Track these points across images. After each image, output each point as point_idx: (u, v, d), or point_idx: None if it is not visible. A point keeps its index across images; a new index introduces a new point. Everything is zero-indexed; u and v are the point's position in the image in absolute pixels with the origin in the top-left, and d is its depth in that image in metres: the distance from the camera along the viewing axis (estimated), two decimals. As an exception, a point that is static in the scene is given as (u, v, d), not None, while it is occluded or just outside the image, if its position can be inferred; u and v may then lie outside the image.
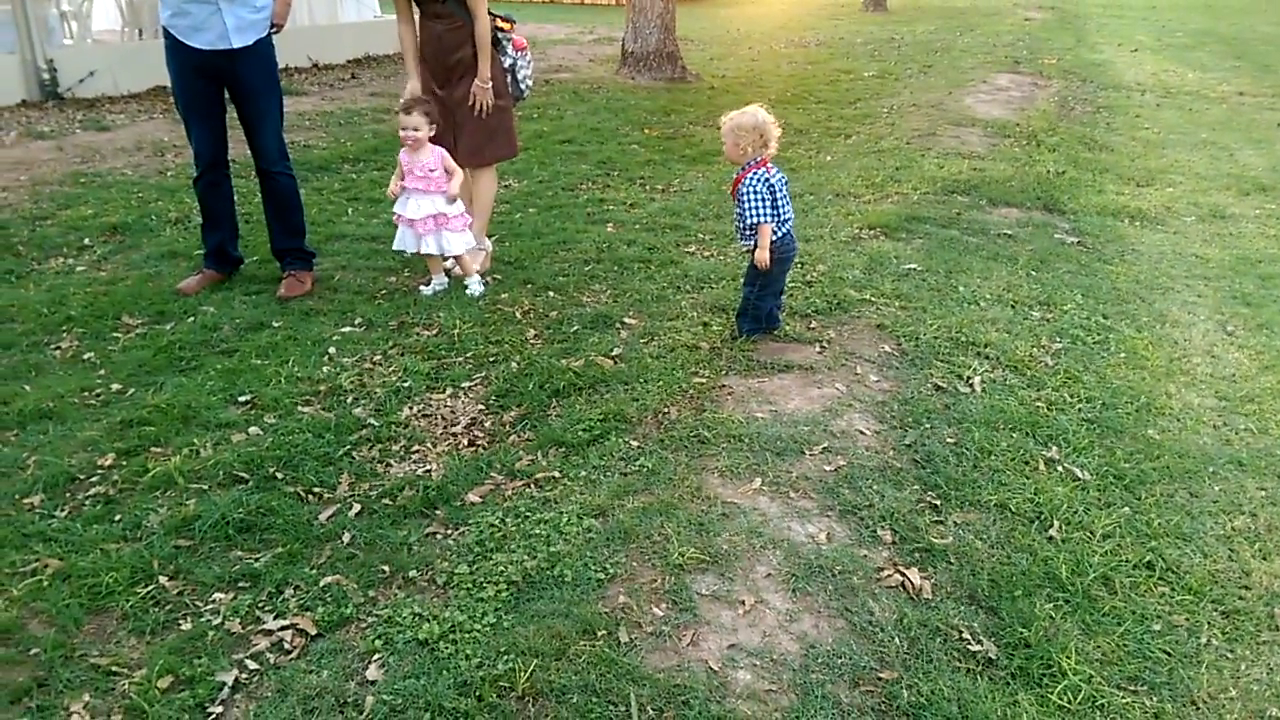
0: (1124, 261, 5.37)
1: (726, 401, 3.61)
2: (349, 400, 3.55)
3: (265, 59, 4.39)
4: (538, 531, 2.80)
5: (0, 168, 6.56)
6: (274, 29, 4.42)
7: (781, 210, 3.88)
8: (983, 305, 4.57)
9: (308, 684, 2.23)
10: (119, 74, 9.22)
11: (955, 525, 2.90)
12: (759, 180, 3.81)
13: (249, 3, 4.24)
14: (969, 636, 2.45)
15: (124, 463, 3.11)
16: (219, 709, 2.17)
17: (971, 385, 3.76)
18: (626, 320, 4.31)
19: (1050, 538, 2.85)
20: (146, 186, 6.26)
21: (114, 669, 2.27)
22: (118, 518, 2.83)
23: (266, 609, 2.48)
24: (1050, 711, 2.24)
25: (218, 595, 2.53)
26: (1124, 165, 7.67)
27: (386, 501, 2.96)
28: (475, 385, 3.72)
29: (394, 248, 4.58)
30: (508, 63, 4.73)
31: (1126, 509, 3.02)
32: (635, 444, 3.30)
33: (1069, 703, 2.26)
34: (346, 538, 2.78)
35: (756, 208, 3.81)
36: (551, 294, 4.61)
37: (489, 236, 5.05)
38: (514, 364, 3.85)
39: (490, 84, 4.55)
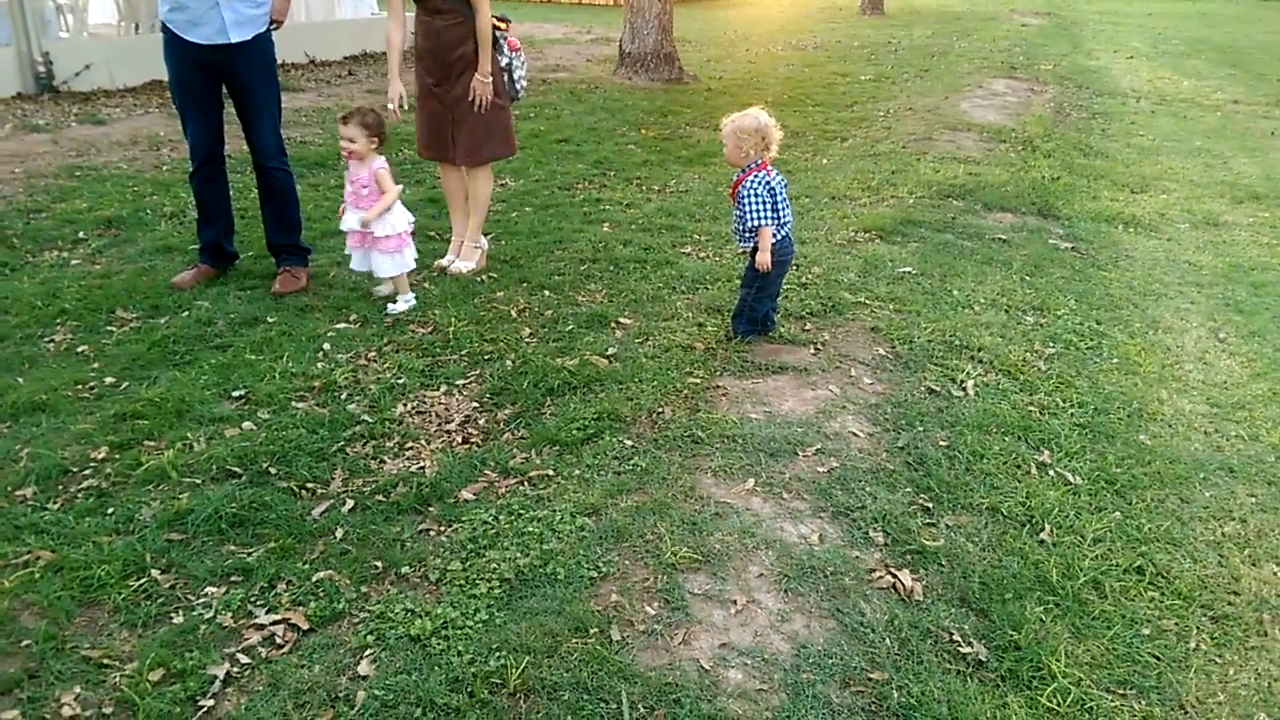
0: (1117, 267, 5.39)
1: (721, 402, 3.61)
2: (343, 396, 3.55)
3: (263, 55, 4.39)
4: (531, 529, 2.80)
5: (-5, 160, 6.54)
6: (274, 25, 4.42)
7: (781, 213, 3.89)
8: (977, 309, 4.58)
9: (299, 678, 2.23)
10: (115, 68, 9.20)
11: (947, 528, 2.91)
12: (760, 183, 3.82)
13: (238, 6, 4.21)
14: (959, 639, 2.46)
15: (117, 456, 3.10)
16: (210, 702, 2.16)
17: (964, 389, 3.78)
18: (622, 320, 4.32)
19: (1041, 541, 2.87)
20: (142, 180, 6.24)
21: (105, 661, 2.27)
22: (110, 511, 2.82)
23: (258, 603, 2.48)
24: (1040, 714, 2.25)
25: (210, 589, 2.53)
26: (1119, 172, 7.71)
27: (380, 498, 2.96)
28: (470, 383, 3.72)
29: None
30: (504, 62, 4.73)
31: (1117, 514, 3.04)
32: (629, 443, 3.30)
33: (1058, 705, 2.27)
34: (339, 533, 2.78)
35: (757, 210, 3.82)
36: (547, 293, 4.61)
37: (485, 235, 5.05)
38: (509, 362, 3.85)
39: (490, 80, 4.54)
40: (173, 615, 2.43)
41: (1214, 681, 2.40)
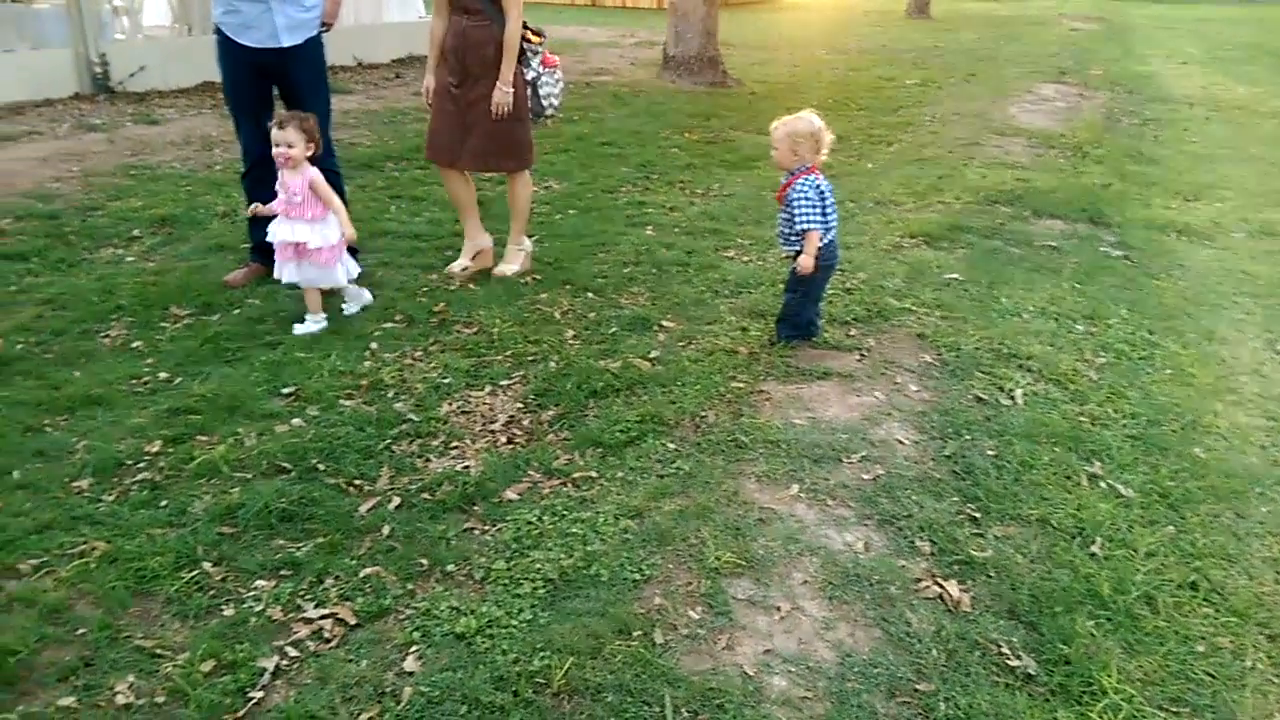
0: (1171, 277, 5.29)
1: (764, 407, 3.60)
2: (390, 395, 3.59)
3: (314, 58, 4.45)
4: (574, 530, 2.81)
5: (53, 159, 6.70)
6: (324, 28, 4.48)
7: (829, 217, 3.87)
8: (1025, 317, 4.52)
9: (346, 673, 2.26)
10: (168, 69, 9.38)
11: (995, 539, 2.87)
12: (810, 186, 3.81)
13: (299, 2, 4.30)
14: (1008, 651, 2.42)
15: (170, 450, 3.16)
16: (260, 694, 2.19)
17: (1013, 398, 3.73)
18: (665, 323, 4.32)
19: (1092, 554, 2.82)
20: (195, 180, 6.36)
21: (158, 651, 2.31)
22: (164, 503, 2.88)
23: (307, 597, 2.51)
24: (1090, 729, 2.21)
25: (260, 582, 2.56)
26: (1171, 179, 7.57)
27: (425, 496, 2.99)
28: (514, 384, 3.74)
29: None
30: (530, 75, 4.62)
31: (1171, 528, 2.98)
32: (672, 446, 3.30)
33: (1109, 721, 2.23)
34: (386, 530, 2.80)
35: (807, 213, 3.80)
36: (590, 295, 4.62)
37: (529, 236, 5.07)
38: (552, 364, 3.86)
39: (510, 89, 4.43)
40: (223, 607, 2.47)
41: (1271, 701, 2.34)
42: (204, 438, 3.24)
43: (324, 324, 4.13)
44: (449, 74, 4.51)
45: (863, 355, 4.05)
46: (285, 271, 4.09)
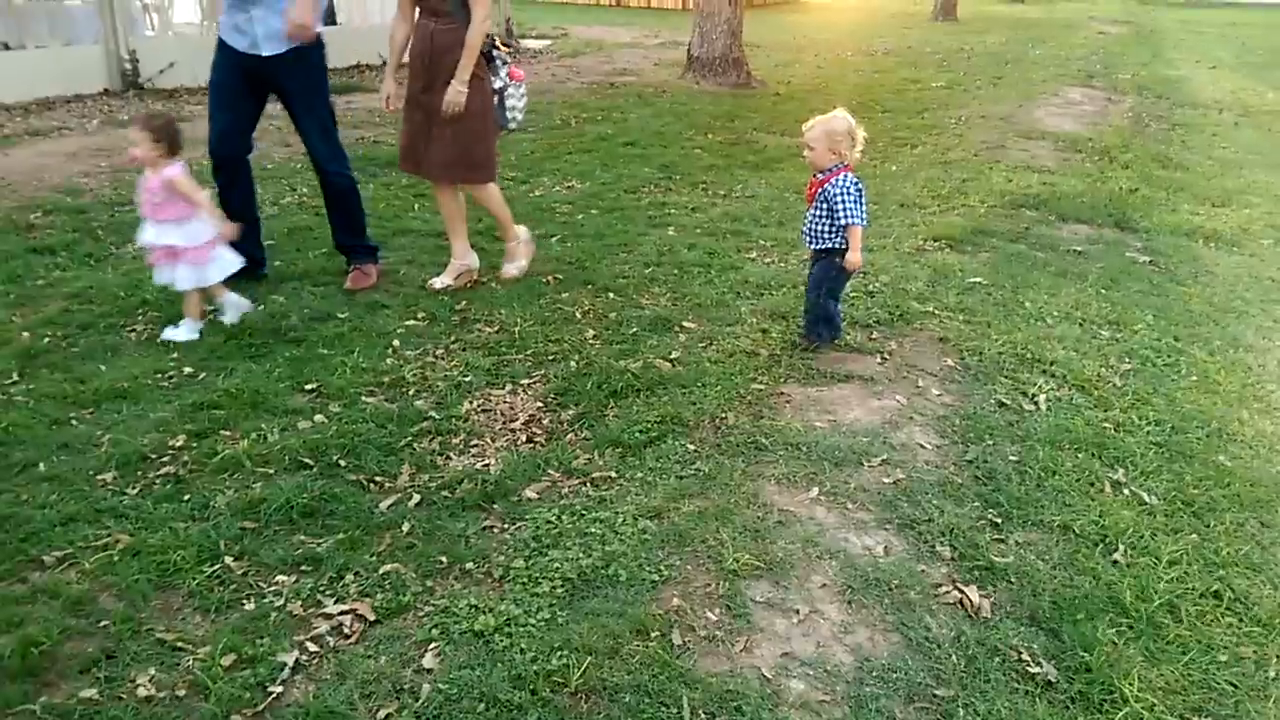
0: (1198, 283, 5.23)
1: (785, 409, 3.59)
2: (411, 392, 3.60)
3: (302, 64, 4.34)
4: (593, 530, 2.81)
5: (83, 154, 6.77)
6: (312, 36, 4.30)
7: (866, 215, 3.87)
8: (1050, 322, 4.49)
9: (366, 669, 2.27)
10: (197, 66, 9.38)
11: (1016, 544, 2.85)
12: (850, 182, 3.80)
13: (280, 13, 4.19)
14: (1029, 658, 2.41)
15: (194, 444, 3.19)
16: (279, 689, 2.21)
17: (1036, 403, 3.70)
18: (685, 324, 4.32)
19: (1115, 562, 2.79)
20: (220, 176, 6.40)
21: (179, 644, 2.33)
22: (187, 497, 2.90)
23: (327, 593, 2.53)
24: (1111, 739, 2.19)
25: (280, 577, 2.58)
26: (1199, 184, 7.49)
27: (445, 493, 3.00)
28: (534, 383, 3.75)
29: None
30: (497, 85, 4.40)
31: (1195, 536, 2.95)
32: (692, 447, 3.30)
33: (1130, 731, 2.21)
34: (406, 527, 2.82)
35: (851, 209, 3.78)
36: (611, 295, 4.63)
37: (534, 232, 4.96)
38: (573, 363, 3.87)
39: (465, 89, 4.18)
40: (245, 602, 2.49)
41: (1296, 714, 2.31)
42: (227, 433, 3.27)
43: (198, 334, 3.96)
44: (415, 79, 4.30)
45: (884, 358, 4.03)
46: (161, 274, 3.96)
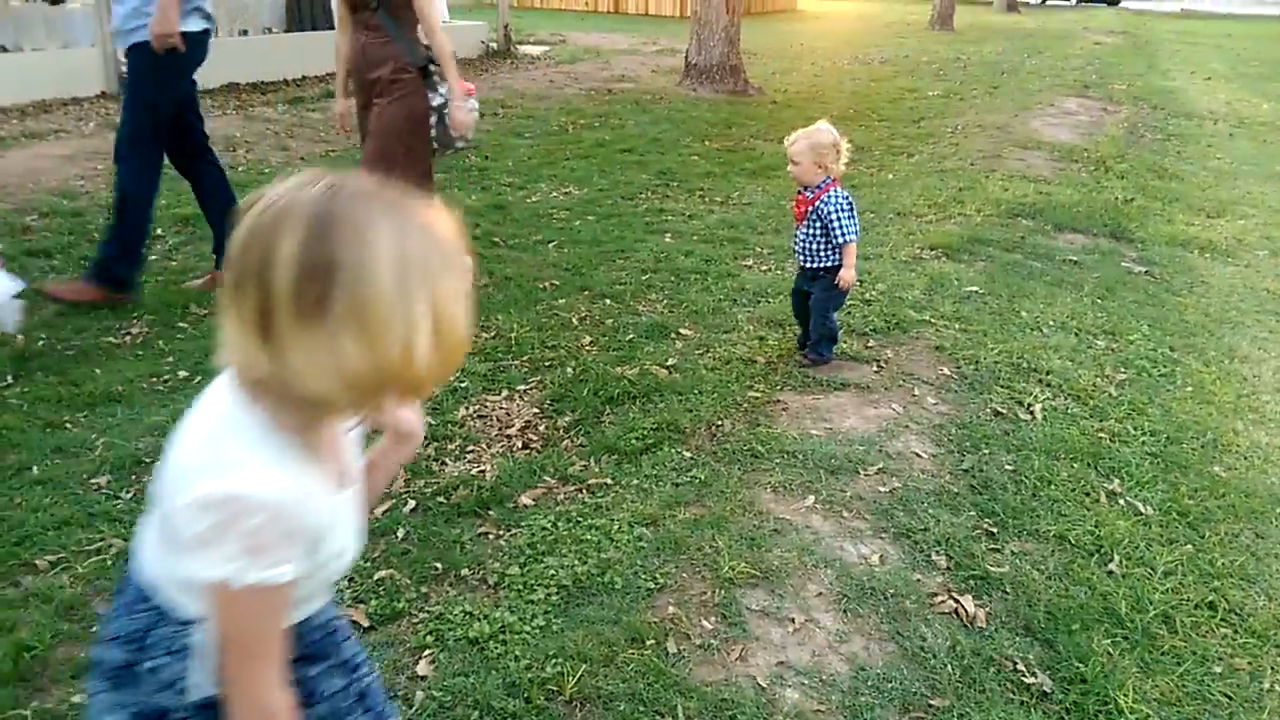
0: (1193, 293, 5.25)
1: (781, 417, 3.59)
2: (407, 398, 3.59)
3: (134, 64, 4.20)
4: (589, 537, 2.81)
5: (79, 157, 6.76)
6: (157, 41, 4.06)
7: (858, 229, 3.85)
8: (1045, 332, 4.49)
9: (359, 676, 2.26)
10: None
11: (1012, 554, 2.85)
12: (841, 197, 3.76)
13: (119, 14, 4.09)
14: (1024, 668, 2.40)
15: (188, 448, 3.17)
16: (272, 695, 2.20)
17: (1032, 412, 3.70)
18: (682, 331, 4.32)
19: (1110, 572, 2.79)
20: (217, 180, 6.39)
21: (172, 650, 2.31)
22: (181, 502, 2.88)
23: (321, 599, 2.51)
24: (1106, 749, 2.19)
25: (274, 583, 2.57)
26: (1194, 195, 7.51)
27: (441, 499, 2.99)
28: (530, 389, 3.74)
29: None
30: (436, 102, 4.11)
31: (1189, 547, 2.95)
32: (688, 455, 3.29)
33: (1125, 742, 2.21)
34: (400, 533, 2.81)
35: (847, 226, 3.75)
36: (608, 301, 4.63)
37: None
38: (569, 369, 3.87)
39: (466, 105, 4.05)
40: (238, 607, 2.48)
41: (1290, 725, 2.31)
42: (222, 437, 3.25)
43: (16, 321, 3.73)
44: (357, 96, 4.11)
45: (880, 367, 4.04)
46: None
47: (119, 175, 4.35)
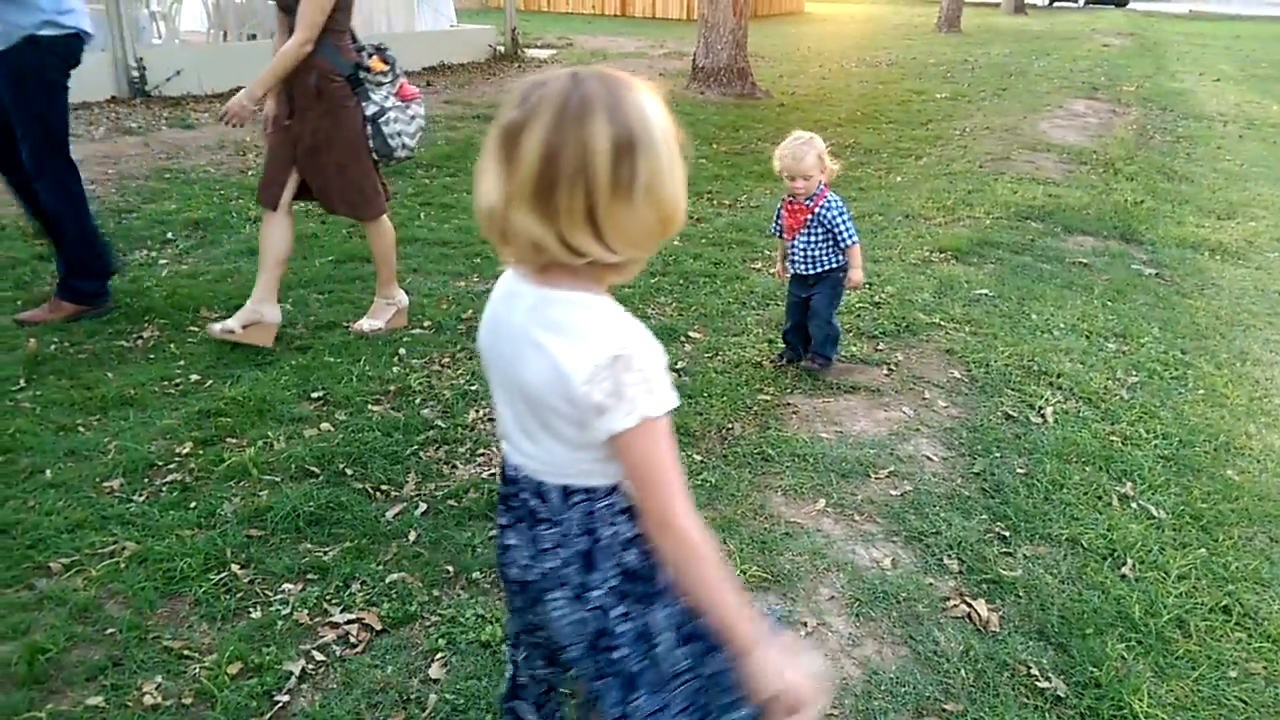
0: (1203, 295, 5.23)
1: (791, 420, 3.59)
2: (417, 401, 3.60)
3: (11, 65, 4.02)
4: (600, 541, 2.80)
5: (90, 161, 6.77)
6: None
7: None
8: (1056, 334, 4.48)
9: (372, 678, 2.26)
10: (203, 74, 9.49)
11: (1025, 558, 2.84)
12: (838, 201, 3.74)
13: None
14: (1037, 673, 2.39)
15: (201, 452, 3.19)
16: (285, 698, 2.20)
17: (1043, 415, 3.69)
18: (691, 334, 4.31)
19: (1123, 576, 2.78)
20: (228, 184, 6.43)
21: (186, 653, 2.32)
22: (193, 505, 2.90)
23: (334, 602, 2.52)
24: (1120, 754, 2.18)
25: (287, 586, 2.58)
26: (1204, 197, 7.49)
27: (452, 503, 2.99)
28: (541, 392, 3.73)
29: None
30: (370, 111, 3.92)
31: (1203, 550, 2.94)
32: (698, 458, 3.29)
33: (1140, 746, 2.20)
34: (412, 536, 2.81)
35: (851, 228, 3.73)
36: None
37: (402, 290, 4.40)
38: (580, 373, 3.85)
39: (250, 101, 3.83)
40: (251, 610, 2.48)
41: (1306, 730, 2.30)
42: (234, 440, 3.27)
43: None
44: (280, 106, 3.91)
45: (891, 370, 4.03)
46: None
47: (46, 194, 4.11)
